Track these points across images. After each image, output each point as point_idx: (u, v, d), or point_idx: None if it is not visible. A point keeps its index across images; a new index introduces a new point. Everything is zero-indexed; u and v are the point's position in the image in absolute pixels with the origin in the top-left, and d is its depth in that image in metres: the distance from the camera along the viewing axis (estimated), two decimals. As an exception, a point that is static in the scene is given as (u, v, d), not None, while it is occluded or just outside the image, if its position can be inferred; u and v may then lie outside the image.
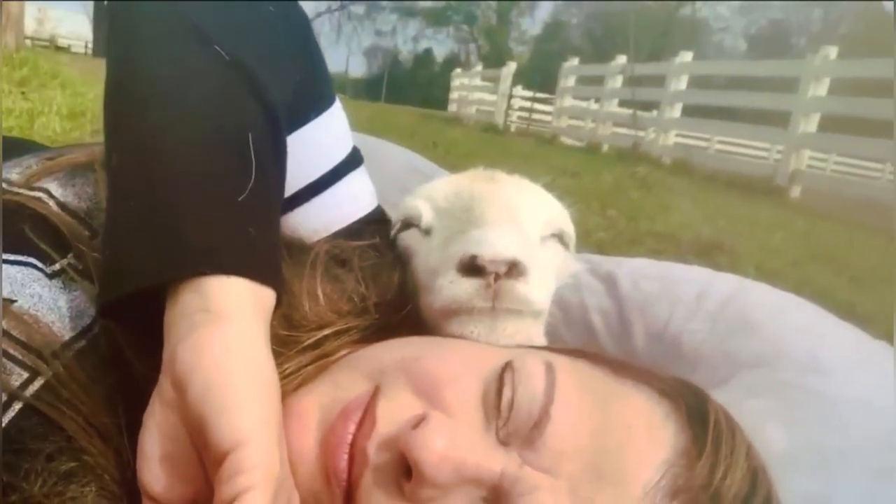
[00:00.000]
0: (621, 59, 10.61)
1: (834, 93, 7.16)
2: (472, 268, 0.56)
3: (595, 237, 2.95)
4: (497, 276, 0.55)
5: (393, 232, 0.73)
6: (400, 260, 0.71)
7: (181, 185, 0.50)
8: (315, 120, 0.70)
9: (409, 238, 0.71)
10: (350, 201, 0.76)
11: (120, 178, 0.53)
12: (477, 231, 0.59)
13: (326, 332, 0.61)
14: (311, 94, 0.70)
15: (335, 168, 0.73)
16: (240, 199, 0.50)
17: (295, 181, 0.69)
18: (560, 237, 0.70)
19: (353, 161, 0.76)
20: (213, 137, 0.53)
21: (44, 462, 0.49)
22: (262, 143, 0.54)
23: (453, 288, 0.57)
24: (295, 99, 0.65)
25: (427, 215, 0.70)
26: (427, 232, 0.69)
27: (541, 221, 0.68)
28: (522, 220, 0.65)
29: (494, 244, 0.56)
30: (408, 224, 0.72)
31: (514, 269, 0.56)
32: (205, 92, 0.54)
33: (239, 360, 0.44)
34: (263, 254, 0.51)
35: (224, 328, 0.45)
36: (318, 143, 0.71)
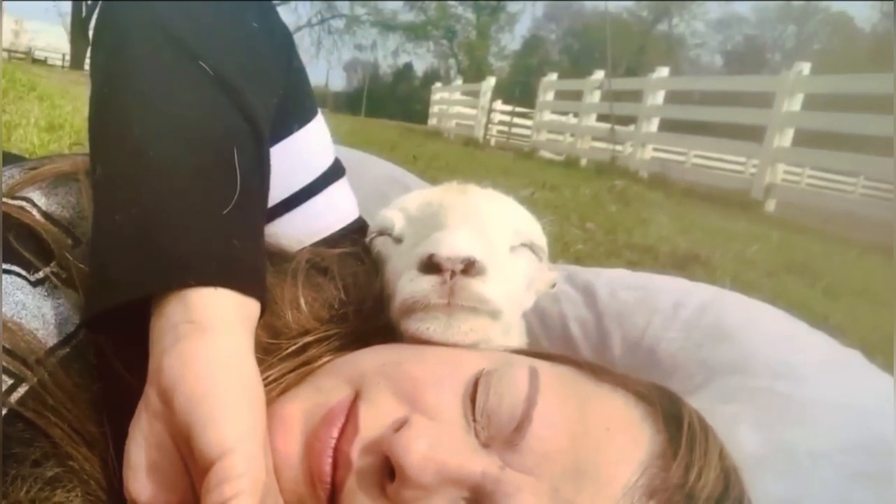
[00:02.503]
0: (599, 75, 10.72)
1: (808, 108, 7.29)
2: (429, 265, 0.57)
3: (574, 250, 2.97)
4: (453, 274, 0.57)
5: (367, 239, 0.75)
6: (376, 267, 0.72)
7: (166, 199, 0.51)
8: (298, 132, 0.71)
9: (381, 245, 0.73)
10: (332, 211, 0.77)
11: (105, 191, 0.53)
12: (438, 233, 0.61)
13: (309, 339, 0.62)
14: (294, 106, 0.71)
15: (318, 179, 0.74)
16: (224, 212, 0.51)
17: (278, 191, 0.70)
18: (531, 247, 0.72)
19: (335, 172, 0.78)
20: (198, 152, 0.53)
21: (29, 468, 0.50)
22: (247, 157, 0.55)
23: (412, 285, 0.58)
24: (278, 111, 0.66)
25: (399, 224, 0.71)
26: (398, 240, 0.71)
27: (509, 230, 0.69)
28: (488, 227, 0.66)
29: (451, 243, 0.58)
30: (381, 233, 0.73)
31: (470, 267, 0.57)
32: (189, 107, 0.55)
33: (224, 371, 0.45)
34: (248, 265, 0.52)
35: (209, 339, 0.46)
36: (300, 154, 0.72)
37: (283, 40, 0.70)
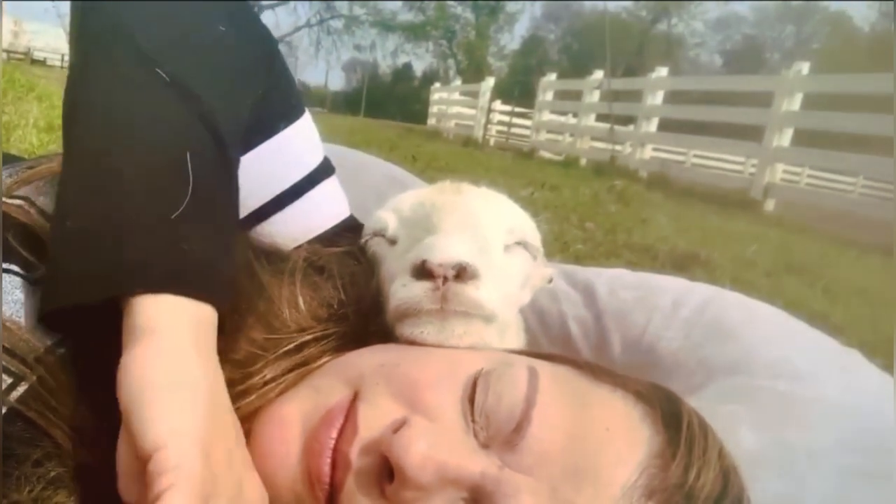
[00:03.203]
0: (598, 75, 10.72)
1: (807, 107, 7.29)
2: (422, 271, 0.57)
3: (573, 249, 2.97)
4: (446, 280, 0.57)
5: (361, 241, 0.75)
6: (372, 268, 0.73)
7: (114, 205, 0.52)
8: (285, 130, 0.73)
9: (376, 246, 0.73)
10: (325, 208, 0.78)
11: (61, 195, 0.55)
12: (430, 238, 0.61)
13: (307, 337, 0.62)
14: (278, 104, 0.73)
15: (308, 176, 0.75)
16: (173, 216, 0.52)
17: (268, 189, 0.72)
18: (525, 245, 0.72)
19: (325, 169, 0.79)
20: (148, 157, 0.54)
21: (31, 467, 0.50)
22: (203, 161, 0.56)
23: (404, 291, 0.58)
24: (261, 111, 0.68)
25: (392, 225, 0.71)
26: (393, 241, 0.71)
27: (503, 230, 0.70)
28: (481, 228, 0.66)
29: (443, 249, 0.58)
30: (376, 234, 0.73)
31: (463, 272, 0.57)
32: (142, 113, 0.56)
33: (161, 372, 0.45)
34: (198, 270, 0.52)
35: (149, 343, 0.47)
36: (289, 151, 0.74)
37: (260, 41, 0.71)
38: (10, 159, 0.77)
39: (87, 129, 0.56)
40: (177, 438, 0.42)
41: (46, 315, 0.51)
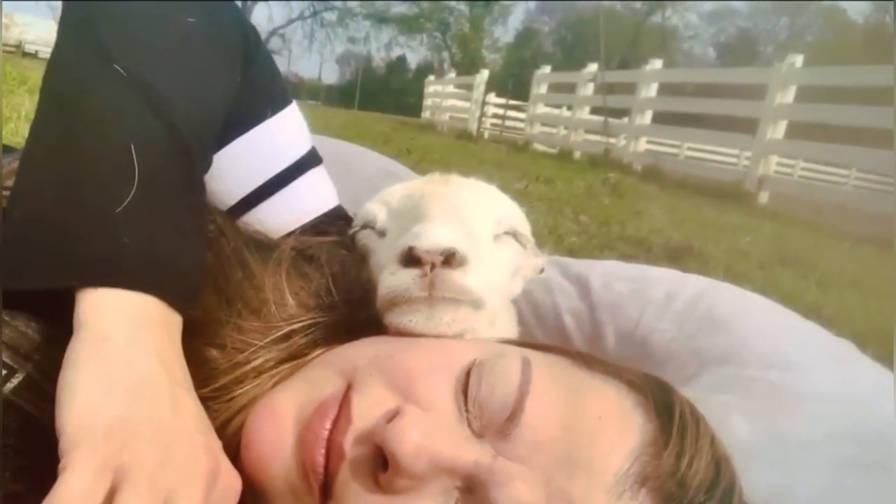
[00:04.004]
0: (592, 67, 10.71)
1: (800, 100, 7.30)
2: (410, 259, 0.58)
3: (567, 242, 2.98)
4: (433, 266, 0.57)
5: (351, 232, 0.75)
6: (363, 258, 0.73)
7: (60, 198, 0.52)
8: (271, 118, 0.74)
9: (366, 238, 0.73)
10: (313, 196, 0.79)
11: (15, 183, 0.55)
12: (418, 225, 0.61)
13: (295, 325, 0.63)
14: (262, 93, 0.74)
15: (296, 163, 0.77)
16: (117, 210, 0.52)
17: (257, 177, 0.73)
18: (514, 235, 0.72)
19: (312, 159, 0.80)
20: (95, 151, 0.54)
21: (27, 458, 0.50)
22: (155, 155, 0.56)
23: (393, 279, 0.59)
24: (243, 100, 0.69)
25: (381, 217, 0.72)
26: (382, 233, 0.71)
27: (491, 219, 0.70)
28: (469, 217, 0.67)
29: (430, 236, 0.58)
30: (365, 227, 0.74)
31: (451, 258, 0.57)
32: (96, 107, 0.57)
33: (74, 363, 0.45)
34: (139, 263, 0.52)
35: (77, 336, 0.47)
36: (276, 140, 0.75)
37: (234, 31, 0.71)
38: (4, 149, 0.77)
39: (43, 122, 0.58)
40: (76, 421, 0.42)
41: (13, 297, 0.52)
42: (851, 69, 6.75)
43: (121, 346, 0.47)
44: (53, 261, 0.50)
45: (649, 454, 0.48)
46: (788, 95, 7.15)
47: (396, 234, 0.67)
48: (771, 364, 0.75)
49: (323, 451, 0.50)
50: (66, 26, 0.62)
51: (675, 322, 0.86)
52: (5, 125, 3.16)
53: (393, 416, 0.49)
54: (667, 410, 0.52)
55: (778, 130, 7.19)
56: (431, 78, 20.66)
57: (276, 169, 0.75)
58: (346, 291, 0.67)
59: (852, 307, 2.60)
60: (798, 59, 7.18)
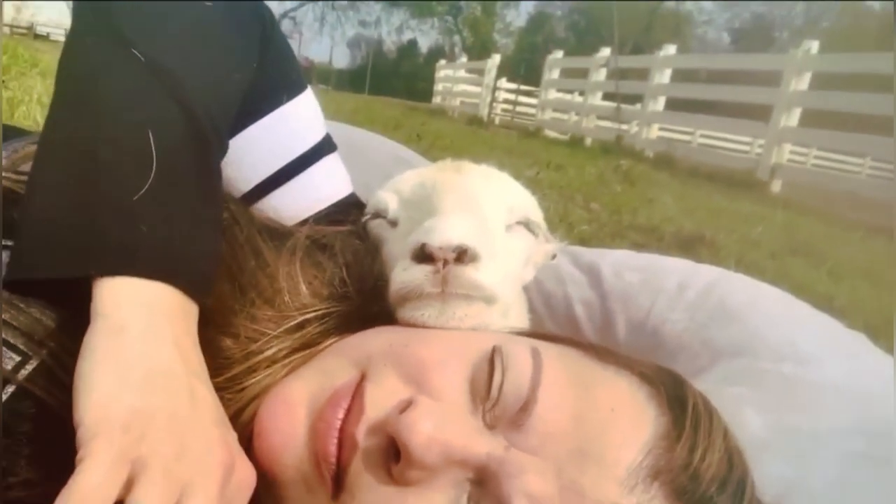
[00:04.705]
0: (605, 52, 10.63)
1: (815, 87, 7.22)
2: (422, 255, 0.57)
3: (578, 230, 2.96)
4: (446, 263, 0.57)
5: (362, 220, 0.75)
6: (376, 247, 0.73)
7: (76, 186, 0.52)
8: (286, 104, 0.74)
9: (377, 227, 0.73)
10: (328, 184, 0.79)
11: (32, 171, 0.55)
12: (430, 220, 0.60)
13: (309, 315, 0.63)
14: (277, 79, 0.74)
15: (311, 150, 0.76)
16: (135, 197, 0.51)
17: (272, 163, 0.73)
18: (527, 224, 0.71)
19: (327, 145, 0.80)
20: (114, 138, 0.54)
21: (41, 446, 0.50)
22: (171, 141, 0.56)
23: (405, 275, 0.59)
24: (260, 85, 0.69)
25: (393, 207, 0.71)
26: (393, 223, 0.71)
27: (504, 209, 0.69)
28: (482, 208, 0.66)
29: (443, 231, 0.58)
30: (376, 215, 0.73)
31: (463, 255, 0.57)
32: (114, 94, 0.56)
33: (92, 353, 0.45)
34: (156, 252, 0.51)
35: (93, 325, 0.47)
36: (291, 126, 0.75)
37: (251, 15, 0.70)
38: (15, 133, 0.77)
39: (59, 108, 0.57)
40: (94, 412, 0.42)
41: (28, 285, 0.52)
42: (868, 56, 6.66)
43: (138, 336, 0.47)
44: (71, 249, 0.50)
45: (662, 447, 0.48)
46: (803, 82, 7.08)
47: (408, 226, 0.66)
48: (783, 356, 0.75)
49: (335, 440, 0.50)
50: (82, 11, 0.62)
51: (686, 312, 0.85)
52: (16, 108, 3.16)
53: (406, 406, 0.49)
54: (680, 403, 0.52)
55: (792, 118, 7.12)
56: (442, 62, 20.57)
57: (291, 155, 0.75)
58: (360, 282, 0.67)
59: (864, 298, 2.58)
60: (814, 46, 7.09)
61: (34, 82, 4.05)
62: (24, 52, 5.80)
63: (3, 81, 3.87)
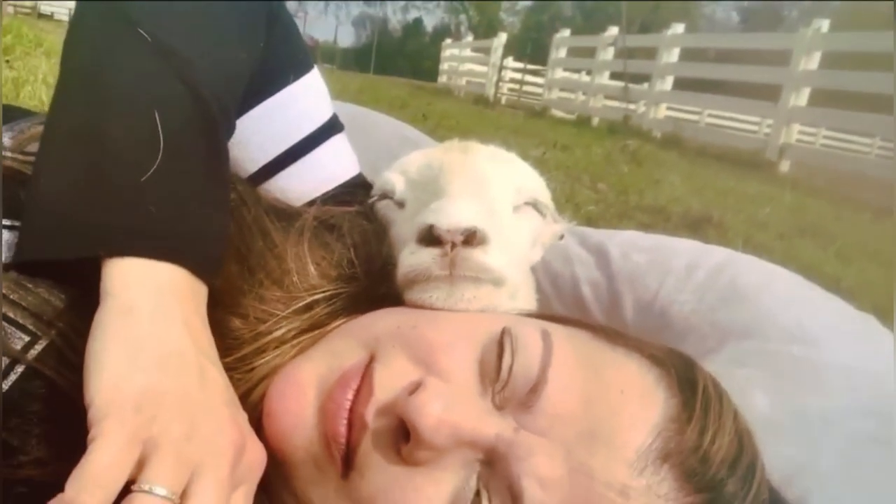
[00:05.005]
0: (613, 31, 10.53)
1: (825, 66, 7.15)
2: (430, 238, 0.57)
3: (585, 211, 2.95)
4: (454, 245, 0.56)
5: (369, 202, 0.75)
6: (383, 229, 0.72)
7: (84, 166, 0.52)
8: (293, 84, 0.73)
9: (385, 209, 0.72)
10: (335, 163, 0.78)
11: (40, 151, 0.55)
12: (437, 202, 0.60)
13: (317, 295, 0.63)
14: (284, 58, 0.73)
15: (318, 129, 0.76)
16: (143, 178, 0.51)
17: (279, 143, 0.73)
18: (535, 204, 0.71)
19: (334, 125, 0.79)
20: (120, 118, 0.54)
21: (51, 425, 0.51)
22: (178, 122, 0.55)
23: (413, 258, 0.58)
24: (267, 64, 0.69)
25: (400, 188, 0.71)
26: (401, 204, 0.70)
27: (511, 190, 0.69)
28: (489, 190, 0.66)
29: (451, 214, 0.57)
30: (383, 196, 0.73)
31: (471, 237, 0.57)
32: (120, 74, 0.56)
33: (105, 332, 0.46)
34: (164, 233, 0.51)
35: (104, 305, 0.47)
36: (298, 105, 0.74)
37: None
38: (20, 114, 0.77)
39: (66, 90, 0.57)
40: (100, 395, 0.42)
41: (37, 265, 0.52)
42: (879, 35, 6.57)
43: (148, 316, 0.47)
44: (79, 230, 0.50)
45: (672, 430, 0.48)
46: (813, 62, 7.00)
47: (415, 207, 0.66)
48: (793, 338, 0.74)
49: (345, 421, 0.50)
50: None
51: (695, 293, 0.85)
52: (21, 88, 3.16)
53: (415, 388, 0.49)
54: (690, 385, 0.52)
55: (801, 98, 7.06)
56: (448, 41, 20.44)
57: (298, 136, 0.74)
58: (367, 263, 0.67)
59: (872, 279, 2.57)
60: (824, 24, 7.02)
61: (39, 62, 4.04)
62: (28, 31, 5.77)
63: (8, 62, 3.86)
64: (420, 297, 0.59)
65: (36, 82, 3.32)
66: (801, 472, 0.61)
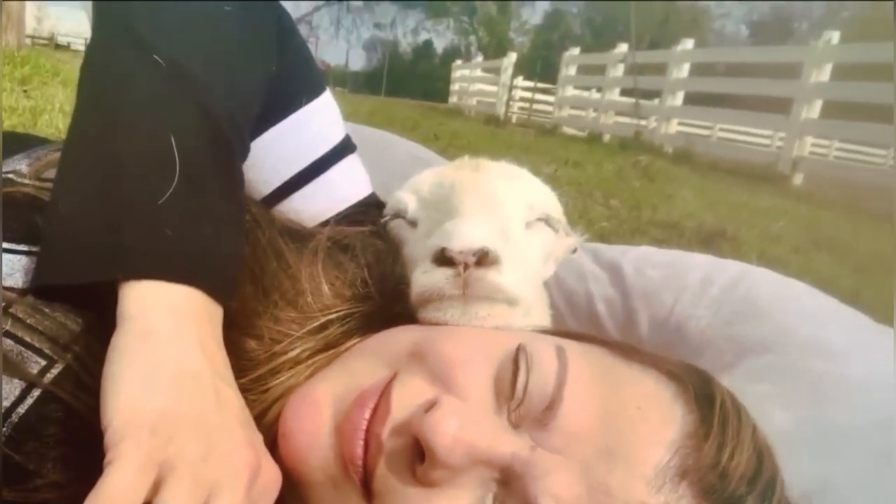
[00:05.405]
0: (622, 48, 10.57)
1: (836, 78, 7.12)
2: (443, 259, 0.57)
3: (598, 227, 2.95)
4: (467, 266, 0.57)
5: (382, 221, 0.75)
6: (397, 249, 0.73)
7: (102, 191, 0.52)
8: (306, 106, 0.74)
9: (397, 228, 0.73)
10: (348, 185, 0.79)
11: (57, 176, 0.55)
12: (450, 222, 0.60)
13: (331, 315, 0.63)
14: (297, 81, 0.74)
15: (331, 151, 0.77)
16: (159, 201, 0.52)
17: (292, 165, 0.74)
18: (547, 220, 0.71)
19: (347, 146, 0.80)
20: (137, 143, 0.54)
21: (67, 448, 0.51)
22: (194, 145, 0.56)
23: (426, 278, 0.58)
24: (280, 87, 0.69)
25: (412, 207, 0.71)
26: (413, 223, 0.71)
27: (523, 207, 0.69)
28: (501, 208, 0.66)
29: (463, 235, 0.58)
30: (396, 216, 0.73)
31: (484, 258, 0.57)
32: (136, 99, 0.56)
33: (120, 357, 0.46)
34: (181, 255, 0.52)
35: (121, 328, 0.47)
36: (311, 127, 0.75)
37: (270, 17, 0.71)
38: (37, 142, 0.78)
39: (82, 114, 0.58)
40: (118, 418, 0.42)
41: (54, 290, 0.52)
42: (889, 45, 6.55)
43: (165, 339, 0.47)
44: (97, 254, 0.50)
45: (690, 446, 0.47)
46: (824, 74, 6.98)
47: (428, 226, 0.66)
48: (811, 352, 0.73)
49: (361, 442, 0.50)
50: (102, 17, 0.62)
51: (711, 308, 0.84)
52: (39, 117, 3.21)
53: (430, 406, 0.48)
54: (707, 401, 0.51)
55: (813, 110, 7.03)
56: (458, 62, 20.57)
57: (312, 157, 0.75)
58: (381, 282, 0.67)
59: (889, 292, 2.54)
60: (835, 36, 7.00)
61: (56, 91, 4.11)
62: (45, 62, 5.88)
63: (26, 91, 3.93)
64: (434, 315, 0.59)
65: (53, 111, 3.38)
66: (822, 488, 0.60)
